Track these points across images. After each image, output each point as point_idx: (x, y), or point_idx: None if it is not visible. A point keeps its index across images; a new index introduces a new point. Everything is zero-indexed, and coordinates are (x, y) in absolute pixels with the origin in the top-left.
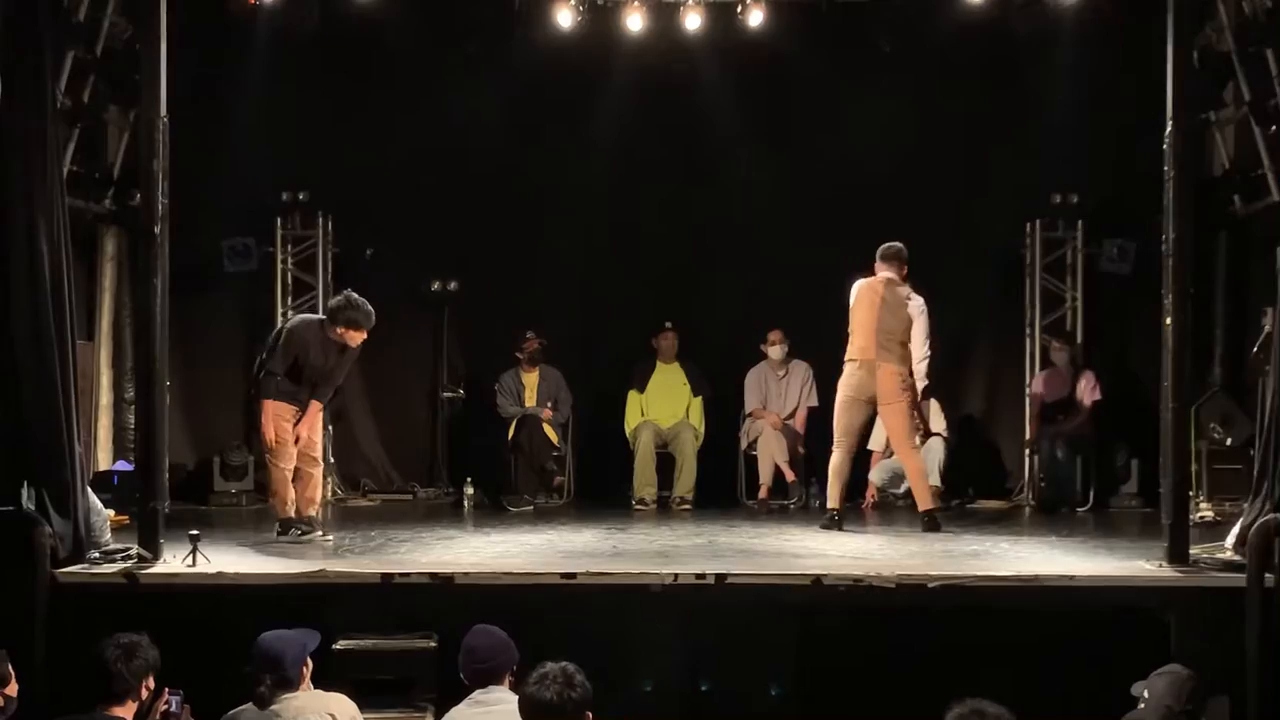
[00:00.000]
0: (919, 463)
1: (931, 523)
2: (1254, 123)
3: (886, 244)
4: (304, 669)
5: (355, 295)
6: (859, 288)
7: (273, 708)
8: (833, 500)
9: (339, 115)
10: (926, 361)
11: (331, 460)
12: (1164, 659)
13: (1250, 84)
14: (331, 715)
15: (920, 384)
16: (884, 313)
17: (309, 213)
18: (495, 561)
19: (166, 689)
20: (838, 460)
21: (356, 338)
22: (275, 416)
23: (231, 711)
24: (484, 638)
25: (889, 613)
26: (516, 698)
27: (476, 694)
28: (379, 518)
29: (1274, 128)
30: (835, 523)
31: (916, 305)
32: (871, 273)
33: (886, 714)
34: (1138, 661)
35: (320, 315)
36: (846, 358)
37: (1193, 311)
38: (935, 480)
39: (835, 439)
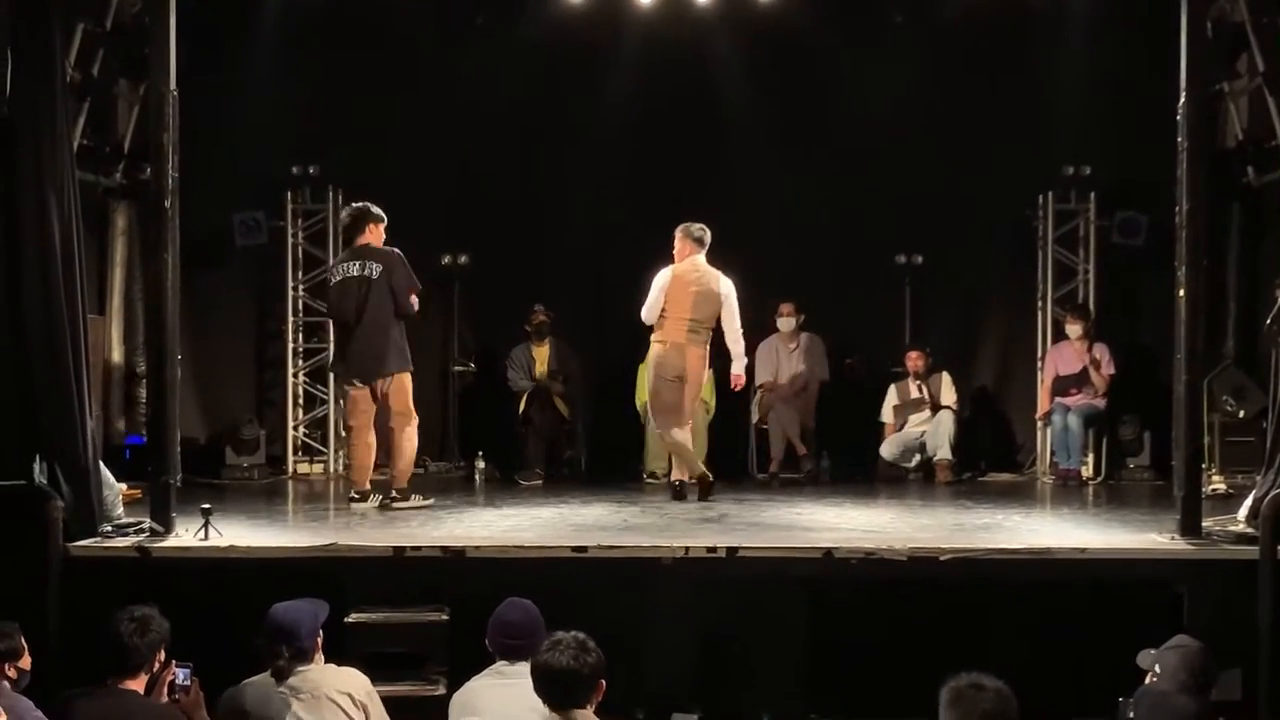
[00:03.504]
0: (687, 438)
1: (679, 492)
2: (1268, 94)
3: (696, 225)
4: (317, 640)
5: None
6: (671, 276)
7: (288, 681)
8: (694, 470)
9: (349, 88)
10: (740, 335)
11: (343, 434)
12: (1176, 631)
13: (1264, 54)
14: (347, 693)
15: (740, 362)
16: (699, 300)
17: (319, 186)
18: (506, 535)
19: (174, 661)
20: (681, 437)
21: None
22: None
23: (241, 683)
24: (519, 613)
25: (900, 585)
26: None
27: (500, 665)
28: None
29: None
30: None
31: (727, 286)
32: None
33: (897, 686)
34: (1150, 634)
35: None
36: (654, 339)
37: (1205, 283)
38: (947, 453)
39: (659, 422)
